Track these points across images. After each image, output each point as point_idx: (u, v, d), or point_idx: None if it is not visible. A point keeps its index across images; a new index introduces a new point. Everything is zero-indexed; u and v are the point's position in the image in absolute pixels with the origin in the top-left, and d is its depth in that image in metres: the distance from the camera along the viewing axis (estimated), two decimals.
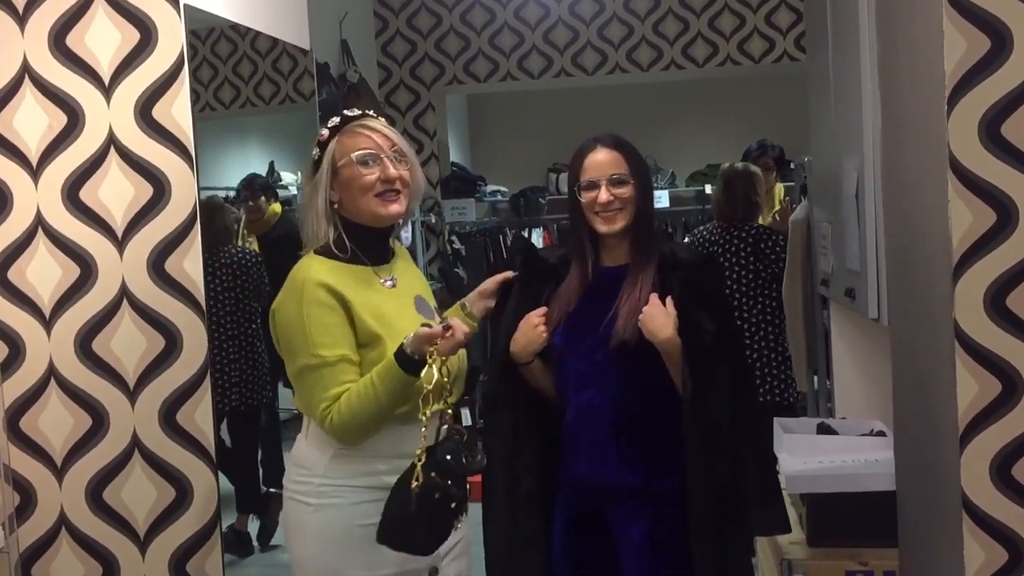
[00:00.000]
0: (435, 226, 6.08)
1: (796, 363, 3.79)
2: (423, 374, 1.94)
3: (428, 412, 1.94)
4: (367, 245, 2.08)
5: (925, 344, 2.28)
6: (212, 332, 3.58)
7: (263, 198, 4.04)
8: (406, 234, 5.44)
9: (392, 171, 2.05)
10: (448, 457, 1.94)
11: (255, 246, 4.16)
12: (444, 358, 1.96)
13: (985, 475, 2.06)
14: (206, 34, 3.60)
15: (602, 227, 2.22)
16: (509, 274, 2.34)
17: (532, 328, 2.22)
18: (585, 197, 2.22)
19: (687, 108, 7.68)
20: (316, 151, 2.07)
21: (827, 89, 3.15)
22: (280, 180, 4.40)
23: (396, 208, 2.07)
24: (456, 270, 6.02)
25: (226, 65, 3.70)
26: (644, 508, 2.21)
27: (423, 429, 1.93)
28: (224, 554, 3.69)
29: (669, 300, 2.16)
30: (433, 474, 1.90)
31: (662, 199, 7.21)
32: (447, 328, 1.96)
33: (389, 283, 2.10)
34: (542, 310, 2.24)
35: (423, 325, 1.98)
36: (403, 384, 1.97)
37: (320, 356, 1.96)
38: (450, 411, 2.03)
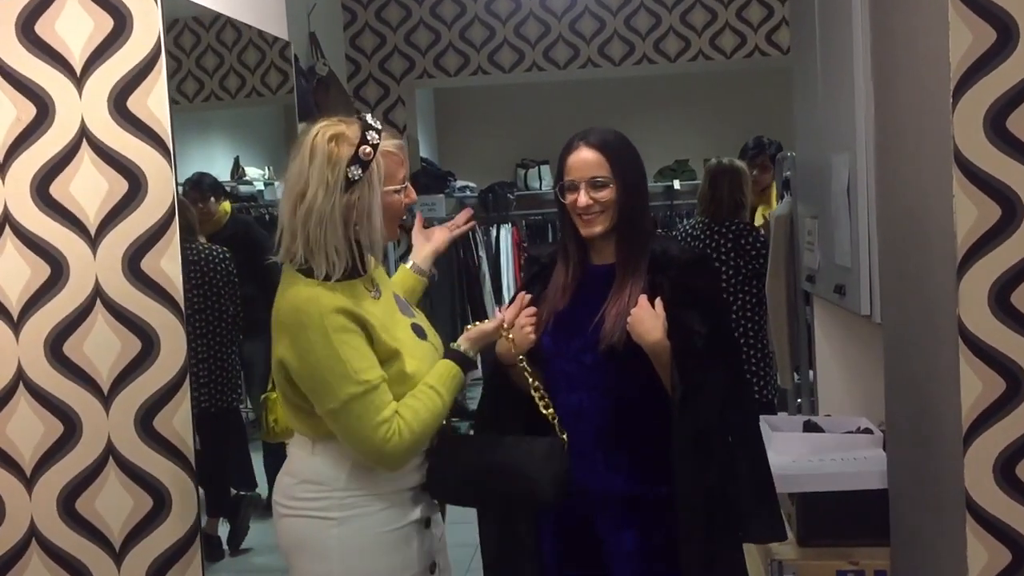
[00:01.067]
0: (405, 222, 5.97)
1: (779, 359, 3.78)
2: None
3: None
4: (361, 264, 2.01)
5: (924, 341, 2.25)
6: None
7: (212, 198, 3.91)
8: None
9: (414, 195, 2.04)
10: None
11: None
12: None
13: (988, 475, 2.04)
14: (169, 25, 3.50)
15: (583, 230, 2.17)
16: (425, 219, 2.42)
17: (519, 328, 2.16)
18: (567, 199, 2.16)
19: (657, 103, 7.68)
20: (355, 170, 1.88)
21: (814, 84, 3.13)
22: (244, 176, 4.29)
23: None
24: None
25: (189, 57, 3.60)
26: (634, 516, 2.16)
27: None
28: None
29: (658, 302, 2.10)
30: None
31: None
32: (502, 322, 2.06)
33: (375, 293, 2.03)
34: (531, 310, 2.18)
35: (473, 326, 2.08)
36: (462, 385, 2.01)
37: (366, 381, 1.87)
38: None
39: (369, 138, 1.90)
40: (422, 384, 1.96)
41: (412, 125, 6.04)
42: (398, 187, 1.97)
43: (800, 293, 3.62)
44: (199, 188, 3.94)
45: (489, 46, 5.84)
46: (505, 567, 2.21)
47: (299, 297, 1.89)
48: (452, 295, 6.04)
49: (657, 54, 5.80)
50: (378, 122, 1.95)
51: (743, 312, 4.00)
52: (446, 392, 1.97)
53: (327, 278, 1.91)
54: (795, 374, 3.82)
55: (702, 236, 4.07)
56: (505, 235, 6.71)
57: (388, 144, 1.95)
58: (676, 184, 7.39)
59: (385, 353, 1.93)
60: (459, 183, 6.85)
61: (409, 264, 2.34)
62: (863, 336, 3.20)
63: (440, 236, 2.37)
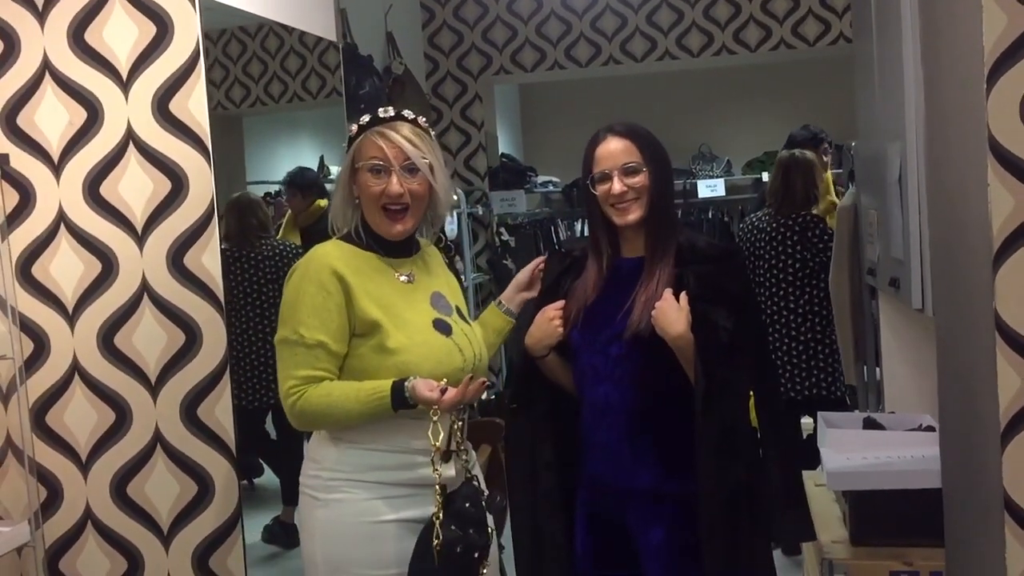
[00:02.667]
0: (483, 218, 6.04)
1: (844, 355, 3.68)
2: (430, 431, 1.95)
3: (439, 471, 1.96)
4: (383, 242, 2.08)
5: (967, 336, 2.17)
6: (255, 323, 3.62)
7: (300, 195, 4.05)
8: (451, 226, 5.41)
9: (395, 188, 2.02)
10: (467, 505, 1.98)
11: (298, 239, 4.18)
12: (454, 416, 2.00)
13: None
14: (255, 29, 3.63)
15: (617, 219, 2.15)
16: (540, 260, 2.31)
17: (547, 321, 2.17)
18: (599, 190, 2.15)
19: (742, 94, 7.53)
20: (346, 144, 2.07)
21: (871, 73, 3.05)
22: (330, 174, 4.41)
23: (401, 227, 2.05)
24: (504, 262, 5.97)
25: (275, 60, 3.72)
26: (663, 511, 2.14)
27: (436, 487, 1.95)
28: (269, 545, 3.74)
29: (683, 295, 2.08)
30: (453, 527, 1.93)
31: (718, 187, 7.10)
32: (444, 391, 1.95)
33: (405, 278, 2.08)
34: (559, 303, 2.19)
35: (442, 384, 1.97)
36: (384, 414, 1.97)
37: (299, 334, 1.96)
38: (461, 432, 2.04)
39: (361, 119, 2.03)
40: (356, 386, 1.98)
41: (490, 121, 6.06)
42: (363, 164, 2.02)
43: (865, 287, 3.52)
44: (293, 184, 4.09)
45: (565, 41, 5.82)
46: (536, 565, 2.22)
47: (318, 245, 2.07)
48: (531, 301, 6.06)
49: (737, 44, 5.68)
50: (391, 111, 2.05)
51: (810, 306, 3.91)
52: (363, 407, 1.96)
53: (344, 239, 2.06)
54: (863, 370, 3.72)
55: (768, 228, 4.00)
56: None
57: (377, 130, 2.02)
58: (764, 176, 7.24)
59: (363, 325, 1.98)
60: (541, 178, 6.87)
61: (498, 303, 2.35)
62: (926, 331, 3.10)
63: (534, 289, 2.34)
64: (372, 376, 1.99)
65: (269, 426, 3.93)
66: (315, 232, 4.14)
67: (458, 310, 2.17)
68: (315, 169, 4.39)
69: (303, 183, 4.07)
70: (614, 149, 2.14)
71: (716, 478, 2.05)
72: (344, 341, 1.98)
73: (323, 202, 4.18)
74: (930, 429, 2.84)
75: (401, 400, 1.95)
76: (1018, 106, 1.89)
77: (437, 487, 1.94)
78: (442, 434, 1.96)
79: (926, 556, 2.53)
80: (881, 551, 2.58)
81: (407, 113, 2.05)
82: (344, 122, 4.03)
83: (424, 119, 2.09)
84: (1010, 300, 1.93)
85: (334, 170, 4.46)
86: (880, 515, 2.60)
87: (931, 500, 2.50)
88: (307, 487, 2.06)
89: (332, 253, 2.02)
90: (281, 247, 3.94)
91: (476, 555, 1.97)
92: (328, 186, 4.42)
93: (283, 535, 3.92)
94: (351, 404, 1.97)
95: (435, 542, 1.90)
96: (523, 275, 2.31)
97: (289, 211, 4.16)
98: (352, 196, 2.06)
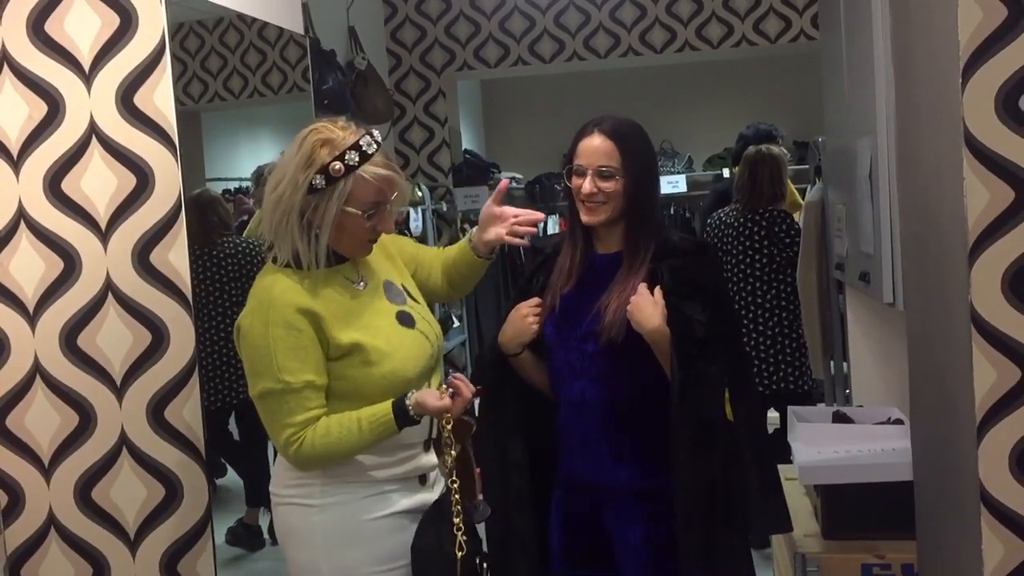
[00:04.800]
0: (447, 214, 6.02)
1: (812, 349, 3.73)
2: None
3: (448, 454, 2.00)
4: (336, 256, 2.02)
5: (941, 330, 2.20)
6: (219, 322, 3.56)
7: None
8: (416, 222, 5.39)
9: (391, 226, 2.01)
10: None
11: None
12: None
13: (1004, 467, 1.98)
14: (214, 24, 3.57)
15: (584, 216, 2.15)
16: (505, 183, 2.29)
17: (522, 319, 2.16)
18: (573, 182, 2.15)
19: (704, 91, 7.60)
20: (319, 179, 1.90)
21: (840, 68, 3.07)
22: None
23: (373, 249, 2.05)
24: None
25: (234, 55, 3.67)
26: (642, 508, 2.15)
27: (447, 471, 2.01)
28: (233, 547, 3.68)
29: (657, 290, 2.09)
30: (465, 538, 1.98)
31: (679, 184, 7.16)
32: (453, 395, 1.98)
33: (360, 284, 2.04)
34: (534, 301, 2.18)
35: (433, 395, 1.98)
36: (390, 436, 1.97)
37: (285, 381, 1.90)
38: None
39: (347, 157, 1.91)
40: (354, 414, 1.95)
41: (453, 117, 6.04)
42: (362, 211, 1.94)
43: (833, 282, 3.56)
44: (258, 183, 4.03)
45: (529, 36, 5.80)
46: (506, 557, 2.21)
47: (262, 281, 1.96)
48: (497, 287, 6.06)
49: (700, 40, 5.71)
50: (375, 147, 1.95)
51: (777, 301, 3.95)
52: (369, 432, 1.95)
53: (298, 266, 1.95)
54: (831, 364, 3.76)
55: (736, 224, 4.03)
56: (552, 226, 6.70)
57: (369, 170, 1.93)
58: (725, 172, 7.31)
59: (338, 349, 1.94)
60: (505, 174, 6.86)
61: (467, 240, 2.30)
62: (894, 325, 3.13)
63: (498, 233, 2.27)
64: (360, 391, 1.97)
65: (232, 427, 3.89)
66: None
67: (407, 291, 2.14)
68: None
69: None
70: (596, 147, 2.13)
71: (692, 471, 2.06)
72: (325, 372, 1.94)
73: None
74: (899, 422, 2.88)
75: (405, 419, 1.95)
76: (993, 100, 1.92)
77: (453, 493, 1.98)
78: (435, 425, 2.00)
79: (898, 549, 2.57)
80: (853, 544, 2.62)
81: (377, 135, 1.99)
82: (312, 116, 3.98)
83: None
84: (986, 294, 1.96)
85: None
86: (851, 508, 2.64)
87: (902, 493, 2.54)
88: (294, 497, 2.02)
89: (290, 289, 1.94)
90: (244, 245, 3.89)
91: (478, 560, 2.02)
92: None
93: (247, 537, 3.88)
94: (355, 437, 1.94)
95: (458, 553, 1.96)
96: (490, 211, 2.26)
97: (257, 209, 4.11)
98: (311, 227, 1.94)
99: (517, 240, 2.26)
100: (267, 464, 4.15)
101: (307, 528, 1.99)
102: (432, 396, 1.95)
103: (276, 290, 1.93)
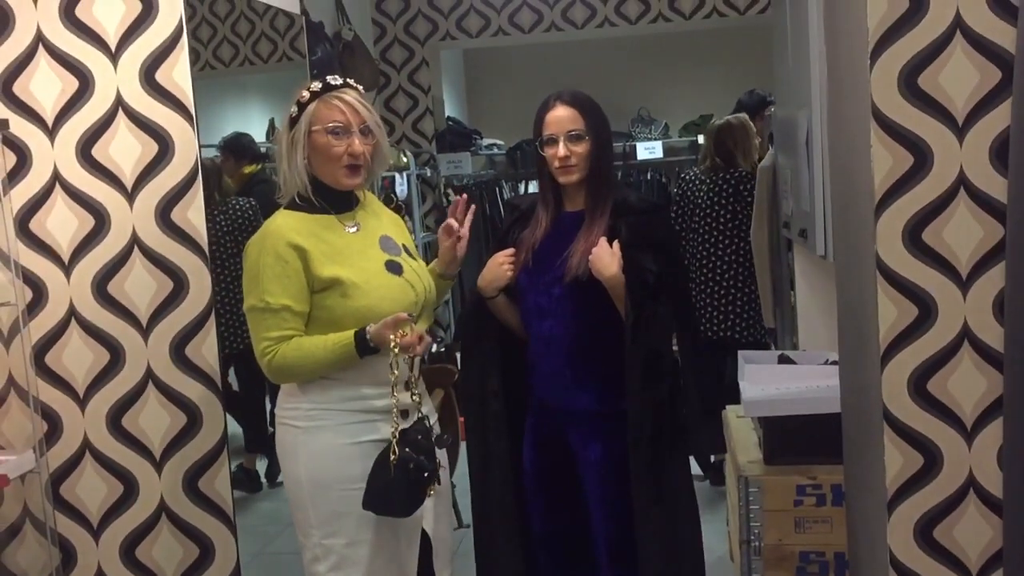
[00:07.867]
0: (431, 179, 6.26)
1: (763, 300, 4.02)
2: (391, 362, 2.18)
3: (397, 398, 2.21)
4: (331, 198, 2.31)
5: (856, 276, 2.51)
6: (217, 277, 3.80)
7: (232, 159, 4.16)
8: (402, 187, 5.63)
9: (358, 147, 2.26)
10: (419, 436, 2.23)
11: None
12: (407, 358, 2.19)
13: (903, 390, 2.29)
14: None
15: (561, 178, 2.45)
16: (452, 222, 2.48)
17: (498, 266, 2.47)
18: (547, 152, 2.44)
19: (679, 59, 7.74)
20: (294, 109, 2.26)
21: (785, 43, 3.35)
22: None
23: (357, 180, 2.30)
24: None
25: (224, 24, 3.86)
26: (600, 428, 2.45)
27: (394, 411, 2.21)
28: (234, 490, 3.96)
29: (616, 243, 2.38)
30: (407, 449, 2.19)
31: (656, 150, 7.34)
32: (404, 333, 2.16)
33: (353, 228, 2.32)
34: (509, 251, 2.48)
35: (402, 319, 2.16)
36: (351, 361, 2.21)
37: (266, 302, 2.19)
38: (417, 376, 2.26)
39: (312, 86, 2.26)
40: (323, 339, 2.21)
41: (436, 86, 6.24)
42: (324, 127, 2.23)
43: (783, 239, 3.86)
44: (227, 149, 4.16)
45: (509, 7, 6.00)
46: (485, 473, 2.52)
47: (272, 217, 2.28)
48: (479, 253, 6.30)
49: (672, 12, 5.93)
50: (339, 80, 2.28)
51: (735, 256, 4.21)
52: (332, 353, 2.20)
53: (300, 205, 2.26)
54: (781, 313, 4.07)
55: (706, 181, 4.27)
56: (533, 190, 6.93)
57: (332, 95, 2.25)
58: (700, 139, 7.52)
59: (321, 283, 2.22)
60: (486, 141, 7.08)
61: (434, 266, 2.52)
62: (831, 276, 3.42)
63: (447, 246, 2.49)
64: (337, 321, 2.23)
65: (231, 378, 4.13)
66: (242, 196, 4.30)
67: (405, 248, 2.40)
68: (265, 133, 4.53)
69: (236, 148, 4.08)
70: (561, 116, 2.42)
71: (642, 397, 2.36)
72: (306, 301, 2.21)
73: (251, 168, 4.32)
74: (835, 364, 3.18)
75: (364, 347, 2.19)
76: (895, 79, 2.22)
77: (395, 411, 2.21)
78: (401, 367, 2.22)
79: (828, 472, 2.85)
80: (790, 469, 2.89)
81: (351, 82, 2.30)
82: (297, 86, 4.16)
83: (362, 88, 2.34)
84: (888, 243, 2.26)
85: None
86: (789, 437, 2.90)
87: (832, 424, 2.81)
88: (286, 418, 2.30)
89: (284, 225, 2.23)
90: (241, 205, 4.10)
91: (426, 475, 2.20)
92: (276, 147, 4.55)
93: (247, 481, 4.09)
94: (320, 354, 2.20)
95: (392, 457, 2.17)
96: (450, 246, 2.47)
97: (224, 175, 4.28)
98: (302, 161, 2.24)
99: (466, 231, 2.48)
100: (264, 414, 4.41)
101: (293, 445, 2.28)
102: (389, 329, 2.16)
103: (274, 225, 2.25)
